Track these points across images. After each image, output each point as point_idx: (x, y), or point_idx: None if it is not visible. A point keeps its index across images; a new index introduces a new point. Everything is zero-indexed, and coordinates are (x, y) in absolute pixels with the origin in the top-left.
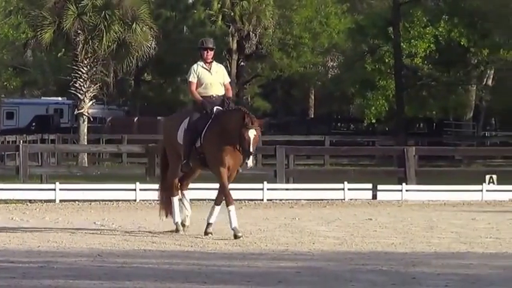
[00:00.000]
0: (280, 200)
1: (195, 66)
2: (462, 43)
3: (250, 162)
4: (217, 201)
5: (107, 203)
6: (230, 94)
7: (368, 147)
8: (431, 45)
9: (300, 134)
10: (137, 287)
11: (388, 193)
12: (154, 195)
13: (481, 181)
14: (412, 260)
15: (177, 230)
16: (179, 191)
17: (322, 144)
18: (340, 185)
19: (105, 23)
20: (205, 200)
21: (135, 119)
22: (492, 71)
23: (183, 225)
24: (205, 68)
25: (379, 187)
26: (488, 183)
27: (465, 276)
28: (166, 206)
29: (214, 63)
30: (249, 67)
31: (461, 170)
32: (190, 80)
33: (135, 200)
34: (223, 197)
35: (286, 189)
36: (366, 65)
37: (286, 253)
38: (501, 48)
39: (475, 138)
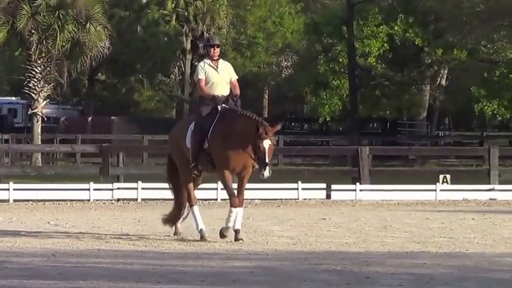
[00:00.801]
0: None
1: (201, 63)
2: (416, 42)
3: (266, 172)
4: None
5: (60, 202)
6: (238, 91)
7: (322, 147)
8: (385, 45)
9: None
10: (91, 286)
11: (342, 193)
12: (108, 195)
13: (434, 181)
14: (366, 259)
15: (202, 238)
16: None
17: (276, 144)
18: (294, 185)
19: (59, 23)
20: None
21: (89, 119)
22: (446, 71)
23: (176, 233)
24: (212, 66)
25: (333, 187)
26: (442, 183)
27: (419, 275)
28: (174, 216)
29: (221, 61)
30: None
31: (415, 169)
32: (199, 77)
33: (88, 200)
34: (233, 198)
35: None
36: (320, 65)
37: (240, 253)
38: (454, 48)
39: (429, 138)
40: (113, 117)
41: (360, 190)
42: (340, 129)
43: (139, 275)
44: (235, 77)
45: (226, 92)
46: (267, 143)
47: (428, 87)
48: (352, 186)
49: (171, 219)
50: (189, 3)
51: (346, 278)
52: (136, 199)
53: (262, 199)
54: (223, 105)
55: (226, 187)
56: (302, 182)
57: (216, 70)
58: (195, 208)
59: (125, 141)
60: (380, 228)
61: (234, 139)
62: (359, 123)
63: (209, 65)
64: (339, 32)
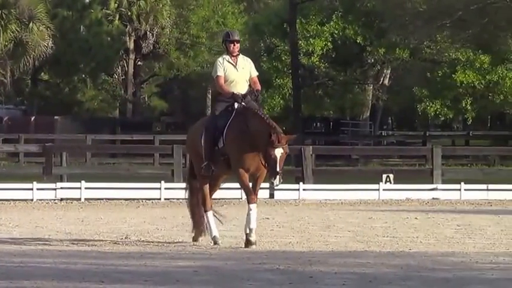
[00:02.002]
0: (178, 199)
1: (220, 59)
2: (358, 41)
3: (277, 181)
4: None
5: (3, 202)
6: (258, 87)
7: None
8: (328, 44)
9: None
10: (34, 286)
11: (285, 192)
12: (51, 195)
13: (377, 180)
14: (310, 259)
15: (215, 244)
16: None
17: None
18: (237, 184)
19: (2, 23)
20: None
21: (32, 119)
22: (388, 71)
23: (216, 243)
24: (231, 63)
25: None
26: (385, 183)
27: (362, 275)
28: (199, 223)
29: (241, 57)
30: (146, 66)
31: (358, 169)
32: (218, 74)
33: (32, 200)
34: (250, 194)
35: (184, 189)
36: (263, 64)
37: (184, 252)
38: (397, 48)
39: (372, 138)
40: (56, 117)
41: (303, 190)
42: (284, 128)
43: (82, 274)
44: (255, 74)
45: (244, 90)
46: (279, 152)
47: (371, 87)
48: (295, 186)
49: (197, 229)
50: (132, 2)
51: (290, 277)
52: (79, 199)
53: None
54: (241, 103)
55: (244, 185)
56: None
57: (235, 67)
58: (210, 214)
59: (68, 140)
60: (323, 228)
61: (249, 139)
62: (302, 123)
63: (228, 61)
64: (282, 31)
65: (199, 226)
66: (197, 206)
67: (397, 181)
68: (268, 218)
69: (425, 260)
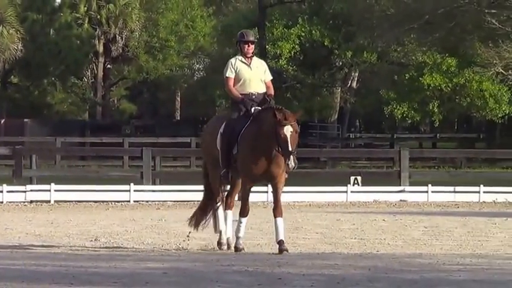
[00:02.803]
0: (147, 201)
1: (232, 60)
2: (326, 44)
3: (292, 162)
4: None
5: None
6: (272, 92)
7: None
8: (296, 47)
9: (167, 136)
10: None
11: (254, 194)
12: (21, 197)
13: (345, 182)
14: (278, 260)
15: (219, 243)
16: (224, 205)
17: (189, 146)
18: (262, 188)
19: None
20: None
21: (2, 121)
22: (356, 73)
23: (220, 243)
24: (244, 63)
25: None
26: (353, 185)
27: (330, 276)
28: (199, 216)
29: (255, 58)
30: (116, 69)
31: (326, 171)
32: (227, 75)
33: (1, 202)
34: (244, 207)
35: (153, 191)
36: None
37: (153, 254)
38: (365, 51)
39: (340, 140)
40: (25, 120)
41: (271, 192)
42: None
43: (52, 276)
44: (269, 78)
45: (261, 90)
46: (288, 130)
47: (339, 90)
48: (263, 188)
49: (196, 221)
50: (102, 6)
51: (258, 278)
52: (49, 201)
53: (174, 201)
54: (258, 107)
55: (243, 195)
56: None
57: (249, 66)
58: (222, 211)
59: (38, 143)
60: (291, 230)
61: (260, 142)
62: None
63: (241, 61)
64: None
65: (199, 219)
66: (209, 203)
67: (364, 183)
68: (236, 220)
69: (393, 262)
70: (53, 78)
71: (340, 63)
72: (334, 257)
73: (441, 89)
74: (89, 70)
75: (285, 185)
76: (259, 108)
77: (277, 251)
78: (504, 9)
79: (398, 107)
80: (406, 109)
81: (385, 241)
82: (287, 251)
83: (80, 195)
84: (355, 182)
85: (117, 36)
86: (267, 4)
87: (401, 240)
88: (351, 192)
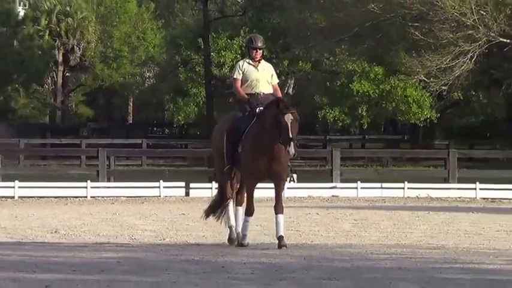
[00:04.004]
0: (102, 197)
1: (240, 62)
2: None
3: (292, 149)
4: (277, 210)
5: None
6: (279, 94)
7: (181, 149)
8: (238, 56)
9: (120, 138)
10: None
11: (200, 190)
12: None
13: None
14: (221, 250)
15: (230, 239)
16: (234, 201)
17: (140, 146)
18: (156, 183)
19: None
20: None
21: None
22: (292, 81)
23: (231, 239)
24: (251, 65)
25: (191, 185)
26: (289, 182)
27: (269, 264)
28: (213, 207)
29: (263, 61)
30: (74, 77)
31: None
32: (234, 76)
33: None
34: (249, 206)
35: (108, 187)
36: (180, 75)
37: (108, 245)
38: (300, 60)
39: None
40: None
41: (216, 188)
42: (198, 133)
43: (16, 265)
44: (276, 81)
45: (268, 90)
46: (288, 117)
47: None
48: (208, 185)
49: (210, 210)
50: (61, 19)
51: (204, 267)
52: (13, 197)
53: (127, 196)
54: (261, 108)
55: (247, 194)
56: (163, 181)
57: (256, 68)
58: (232, 207)
59: (3, 144)
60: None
61: (263, 140)
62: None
63: (248, 63)
64: (196, 45)
65: (214, 209)
66: (222, 199)
67: (300, 180)
68: (184, 214)
69: (326, 251)
70: (16, 85)
71: (278, 72)
72: (272, 247)
73: (369, 95)
74: (50, 78)
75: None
76: (261, 108)
77: (276, 246)
78: (426, 22)
79: (330, 111)
80: (337, 113)
81: (318, 233)
82: (286, 246)
83: (41, 192)
84: (291, 179)
85: (75, 47)
86: (211, 18)
87: (333, 231)
88: (288, 188)
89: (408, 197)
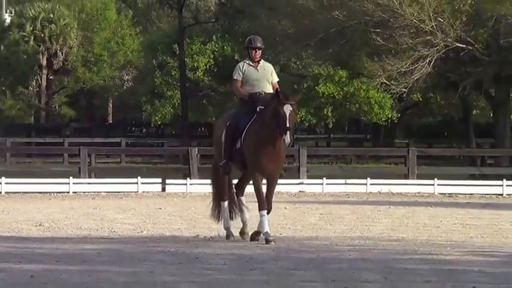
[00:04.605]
0: (84, 192)
1: (241, 63)
2: (236, 58)
3: (287, 138)
4: (260, 207)
5: None
6: None
7: (158, 147)
8: (211, 60)
9: (100, 137)
10: None
11: (175, 186)
12: None
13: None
14: (196, 242)
15: (227, 236)
16: (234, 196)
17: (119, 145)
18: (134, 180)
19: None
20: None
21: None
22: None
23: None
24: (251, 65)
25: (168, 181)
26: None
27: (240, 256)
28: (216, 211)
29: (262, 61)
30: (57, 80)
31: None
32: (235, 77)
33: None
34: (261, 201)
35: (89, 183)
36: (156, 78)
37: (89, 237)
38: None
39: None
40: None
41: (190, 184)
42: (173, 132)
43: (2, 256)
44: (276, 79)
45: (268, 90)
46: (287, 108)
47: None
48: (183, 181)
49: (217, 214)
50: (45, 26)
51: (179, 258)
52: (0, 192)
53: (107, 192)
54: (261, 107)
55: (256, 189)
56: (141, 177)
57: (256, 69)
58: (225, 204)
59: None
60: (207, 216)
61: (265, 136)
62: (189, 128)
63: (248, 64)
64: (172, 50)
65: (216, 214)
66: (218, 196)
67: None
68: (160, 208)
69: (293, 243)
70: (3, 88)
71: None
72: (243, 239)
73: (334, 97)
74: (34, 81)
75: (202, 178)
76: (263, 107)
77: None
78: (387, 29)
79: (297, 111)
80: (304, 114)
81: (286, 226)
82: (274, 242)
83: (26, 187)
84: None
85: (58, 51)
86: (186, 24)
87: (300, 225)
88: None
89: (371, 192)
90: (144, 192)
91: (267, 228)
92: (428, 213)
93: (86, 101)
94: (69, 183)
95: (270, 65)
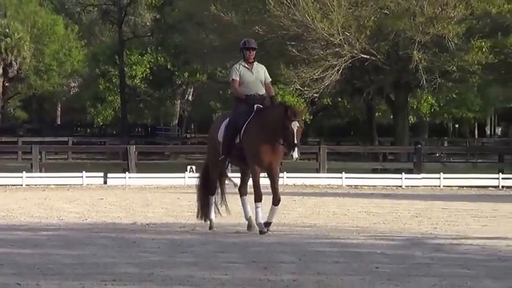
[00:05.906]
0: (35, 185)
1: (236, 65)
2: (169, 67)
3: (295, 154)
4: (274, 202)
5: None
6: (272, 92)
7: (100, 145)
8: (147, 70)
9: (50, 136)
10: None
11: (116, 179)
12: None
13: (183, 170)
14: (133, 229)
15: (210, 227)
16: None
17: (67, 143)
18: (80, 174)
19: None
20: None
21: None
22: (191, 89)
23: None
24: (246, 67)
25: (109, 175)
26: (189, 172)
27: (172, 240)
28: (204, 207)
29: (256, 63)
30: (12, 87)
31: (169, 162)
32: (233, 78)
33: None
34: (257, 192)
35: (40, 177)
36: (99, 85)
37: (40, 224)
38: (197, 73)
39: (179, 139)
40: None
41: (129, 177)
42: (114, 132)
43: None
44: (268, 79)
45: (261, 91)
46: (295, 125)
47: (178, 102)
48: (123, 175)
49: (203, 213)
50: (1, 39)
51: (119, 243)
52: None
53: (56, 184)
54: (259, 105)
55: (255, 181)
56: (86, 172)
57: (251, 71)
58: (212, 198)
59: None
60: (144, 206)
61: (267, 132)
62: (128, 128)
63: (244, 66)
64: (113, 60)
65: (204, 209)
66: (204, 193)
67: (198, 171)
68: (102, 199)
69: (219, 230)
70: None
71: (180, 82)
72: (175, 226)
73: None
74: None
75: (139, 173)
76: (261, 106)
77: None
78: (301, 41)
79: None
80: None
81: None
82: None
83: (3, 181)
84: (191, 170)
85: (13, 62)
86: (125, 38)
87: (225, 213)
88: (188, 177)
89: (287, 184)
90: (88, 184)
91: (260, 220)
92: (336, 202)
93: (37, 105)
94: (22, 177)
95: (263, 66)
